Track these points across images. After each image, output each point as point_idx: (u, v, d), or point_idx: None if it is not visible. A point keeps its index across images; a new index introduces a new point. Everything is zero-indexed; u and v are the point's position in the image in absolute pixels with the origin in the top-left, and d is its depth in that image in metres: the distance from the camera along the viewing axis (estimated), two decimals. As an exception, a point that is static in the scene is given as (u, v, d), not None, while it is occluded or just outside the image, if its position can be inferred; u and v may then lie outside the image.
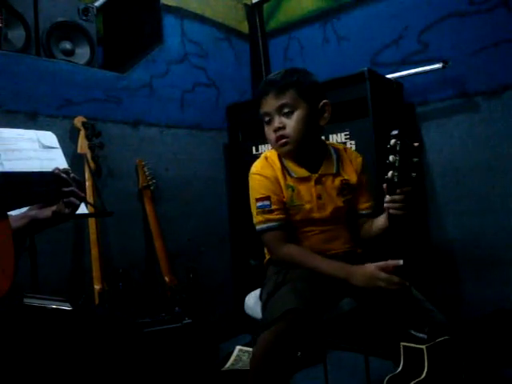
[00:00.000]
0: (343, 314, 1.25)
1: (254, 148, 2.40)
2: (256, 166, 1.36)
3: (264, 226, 1.28)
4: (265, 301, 1.24)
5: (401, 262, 1.06)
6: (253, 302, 1.41)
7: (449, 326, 1.09)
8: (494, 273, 1.99)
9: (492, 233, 1.99)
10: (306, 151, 1.32)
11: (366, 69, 1.92)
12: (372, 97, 1.90)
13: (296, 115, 1.26)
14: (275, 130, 1.28)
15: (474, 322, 1.87)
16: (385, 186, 1.09)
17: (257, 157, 2.38)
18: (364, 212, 1.38)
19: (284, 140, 1.27)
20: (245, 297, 1.48)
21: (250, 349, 2.09)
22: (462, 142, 2.05)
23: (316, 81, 1.33)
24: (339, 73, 2.06)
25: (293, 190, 1.30)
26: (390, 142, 1.04)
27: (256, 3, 2.84)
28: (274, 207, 1.27)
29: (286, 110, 1.26)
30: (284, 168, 1.32)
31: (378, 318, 1.25)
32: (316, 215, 1.30)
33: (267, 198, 1.28)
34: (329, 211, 1.31)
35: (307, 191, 1.30)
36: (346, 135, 1.98)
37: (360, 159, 1.41)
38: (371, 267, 1.12)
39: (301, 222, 1.31)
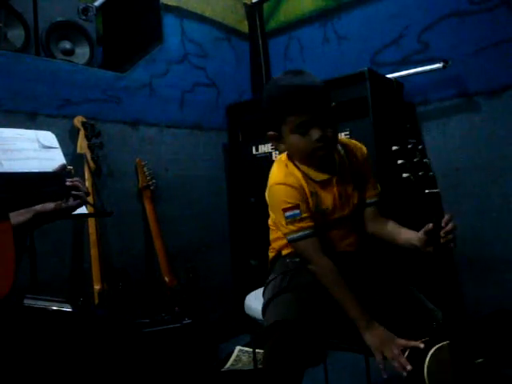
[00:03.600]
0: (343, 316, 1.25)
1: (253, 148, 2.39)
2: (278, 176, 1.29)
3: (298, 234, 1.24)
4: (265, 304, 1.23)
5: (421, 345, 1.04)
6: (253, 302, 1.40)
7: (449, 325, 1.09)
8: (494, 273, 1.99)
9: (492, 233, 1.99)
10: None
11: (366, 68, 1.92)
12: (372, 96, 1.90)
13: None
14: (323, 139, 1.20)
15: (475, 323, 1.87)
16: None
17: (257, 157, 2.43)
18: (371, 200, 1.34)
19: (327, 148, 1.22)
20: (245, 297, 1.48)
21: (250, 349, 2.09)
22: (463, 141, 2.05)
23: None
24: (339, 72, 2.07)
25: (316, 196, 1.27)
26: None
27: (256, 3, 2.84)
28: (304, 215, 1.23)
29: (331, 116, 1.21)
30: (304, 174, 1.28)
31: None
32: (336, 215, 1.29)
33: (296, 206, 1.23)
34: (348, 209, 1.30)
35: (329, 193, 1.28)
36: (346, 135, 1.98)
37: (365, 148, 1.38)
38: (392, 334, 1.11)
39: (322, 224, 1.29)
